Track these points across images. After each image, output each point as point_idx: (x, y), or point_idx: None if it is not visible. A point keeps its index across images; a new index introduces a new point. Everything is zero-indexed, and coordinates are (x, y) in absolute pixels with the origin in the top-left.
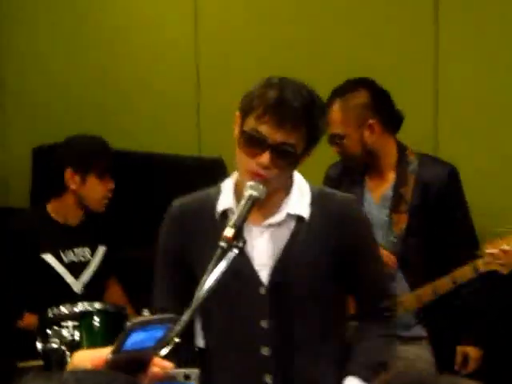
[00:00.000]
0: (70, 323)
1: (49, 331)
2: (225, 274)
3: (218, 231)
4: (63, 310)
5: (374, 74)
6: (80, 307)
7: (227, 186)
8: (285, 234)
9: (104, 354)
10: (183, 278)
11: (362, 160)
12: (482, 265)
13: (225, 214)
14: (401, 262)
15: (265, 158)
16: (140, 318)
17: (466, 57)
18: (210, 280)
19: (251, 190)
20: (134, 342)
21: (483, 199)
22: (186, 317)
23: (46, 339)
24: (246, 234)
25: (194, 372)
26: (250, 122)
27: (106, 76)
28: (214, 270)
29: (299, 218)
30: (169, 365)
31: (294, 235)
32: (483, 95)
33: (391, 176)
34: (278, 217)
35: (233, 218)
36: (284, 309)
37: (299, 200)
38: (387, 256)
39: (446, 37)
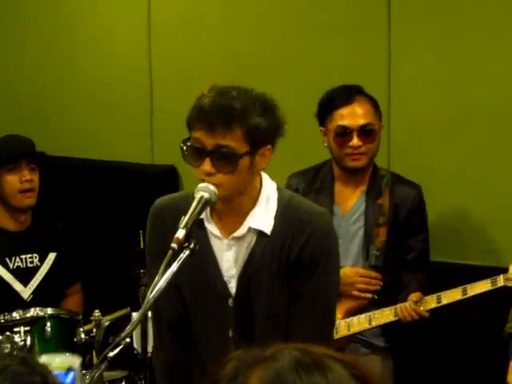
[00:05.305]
0: (22, 328)
1: (0, 337)
2: (198, 283)
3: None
4: (15, 315)
5: (325, 82)
6: (32, 312)
7: None
8: (247, 246)
9: None
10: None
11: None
12: (503, 280)
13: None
14: (384, 275)
15: (206, 165)
16: None
17: (418, 71)
18: (161, 282)
19: (202, 191)
20: None
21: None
22: (137, 318)
23: None
24: (217, 246)
25: (77, 361)
26: (192, 134)
27: (60, 84)
28: (166, 272)
29: (261, 232)
30: None
31: (253, 248)
32: (436, 103)
33: (362, 189)
34: (241, 230)
35: (184, 220)
36: (247, 320)
37: (264, 213)
38: (369, 274)
39: (399, 46)
